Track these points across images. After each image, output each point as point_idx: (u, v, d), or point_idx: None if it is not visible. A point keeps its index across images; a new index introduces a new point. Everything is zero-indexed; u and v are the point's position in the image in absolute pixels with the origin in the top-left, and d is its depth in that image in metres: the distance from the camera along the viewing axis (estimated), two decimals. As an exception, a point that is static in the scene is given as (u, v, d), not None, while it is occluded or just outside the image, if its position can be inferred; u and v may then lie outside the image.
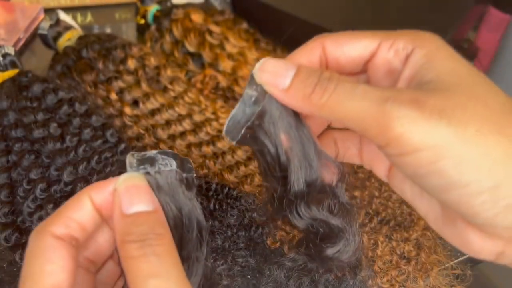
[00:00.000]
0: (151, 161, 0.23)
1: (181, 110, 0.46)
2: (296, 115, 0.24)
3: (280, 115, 0.24)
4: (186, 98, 0.48)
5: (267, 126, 0.24)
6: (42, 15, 0.60)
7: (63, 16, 0.52)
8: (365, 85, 0.21)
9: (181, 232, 0.23)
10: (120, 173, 0.38)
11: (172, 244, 0.21)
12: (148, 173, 0.23)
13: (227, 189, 0.39)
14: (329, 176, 0.25)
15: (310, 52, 0.25)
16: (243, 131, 0.24)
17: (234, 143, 0.25)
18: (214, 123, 0.46)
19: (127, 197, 0.22)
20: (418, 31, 0.23)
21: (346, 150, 0.28)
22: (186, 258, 0.23)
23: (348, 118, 0.21)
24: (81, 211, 0.22)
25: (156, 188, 0.23)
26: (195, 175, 0.24)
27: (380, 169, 0.28)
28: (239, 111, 0.24)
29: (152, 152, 0.23)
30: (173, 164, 0.23)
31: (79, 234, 0.22)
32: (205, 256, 0.24)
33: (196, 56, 0.53)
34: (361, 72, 0.26)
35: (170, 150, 0.24)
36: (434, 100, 0.20)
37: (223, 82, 0.51)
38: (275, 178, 0.25)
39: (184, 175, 0.24)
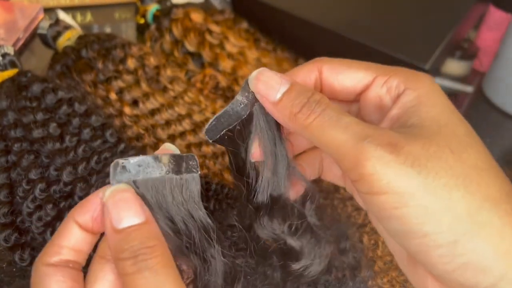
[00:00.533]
0: (137, 168, 0.22)
1: (181, 110, 0.46)
2: (279, 131, 0.25)
3: (263, 127, 0.24)
4: (186, 98, 0.47)
5: (247, 133, 0.24)
6: (41, 15, 0.60)
7: (63, 15, 0.52)
8: (350, 117, 0.21)
9: (180, 239, 0.22)
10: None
11: (166, 254, 0.21)
12: (134, 181, 0.22)
13: (227, 189, 0.39)
14: (297, 195, 0.26)
15: (307, 74, 0.25)
16: (223, 132, 0.24)
17: (210, 141, 0.25)
18: (214, 123, 0.46)
19: (116, 211, 0.21)
20: (414, 71, 0.24)
21: (330, 170, 0.29)
22: (202, 260, 0.23)
23: (326, 145, 0.22)
24: (68, 237, 0.22)
25: (142, 197, 0.22)
26: (199, 172, 0.23)
27: (359, 198, 0.28)
28: (225, 114, 0.24)
29: (139, 158, 0.22)
30: (163, 169, 0.22)
31: (74, 256, 0.22)
32: (221, 253, 0.23)
33: (196, 56, 0.53)
34: (354, 101, 0.26)
35: (163, 154, 0.23)
36: (411, 147, 0.20)
37: (223, 81, 0.51)
38: (242, 181, 0.25)
39: (183, 176, 0.23)
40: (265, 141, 0.24)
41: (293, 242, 0.25)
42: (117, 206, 0.21)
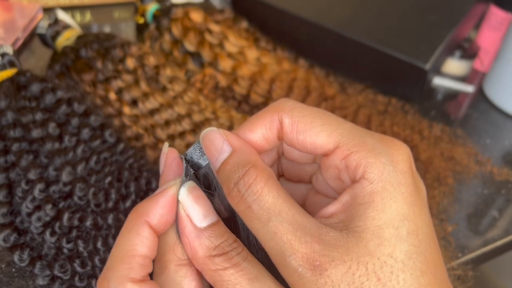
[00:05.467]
0: (195, 160, 0.22)
1: (181, 109, 0.46)
2: None
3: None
4: (186, 98, 0.47)
5: (208, 183, 0.24)
6: (40, 14, 0.60)
7: (62, 15, 0.52)
8: (280, 217, 0.20)
9: (235, 223, 0.23)
10: (119, 173, 0.38)
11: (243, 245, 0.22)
12: (195, 173, 0.22)
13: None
14: None
15: (268, 126, 0.23)
16: (192, 173, 0.24)
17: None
18: (214, 123, 0.46)
19: (196, 210, 0.21)
20: (380, 148, 0.21)
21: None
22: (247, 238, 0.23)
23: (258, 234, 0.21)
24: (145, 243, 0.21)
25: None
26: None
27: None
28: (184, 159, 0.24)
29: (192, 150, 0.22)
30: (205, 157, 0.22)
31: (151, 267, 0.21)
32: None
33: (195, 56, 0.53)
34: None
35: (193, 145, 0.23)
36: (333, 270, 0.19)
37: (223, 81, 0.51)
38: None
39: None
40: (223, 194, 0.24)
41: None
42: (196, 204, 0.21)
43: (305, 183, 0.27)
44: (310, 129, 0.22)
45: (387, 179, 0.20)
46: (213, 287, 0.21)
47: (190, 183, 0.22)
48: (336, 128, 0.22)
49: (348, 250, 0.19)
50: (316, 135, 0.22)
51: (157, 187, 0.36)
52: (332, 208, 0.22)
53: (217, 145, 0.22)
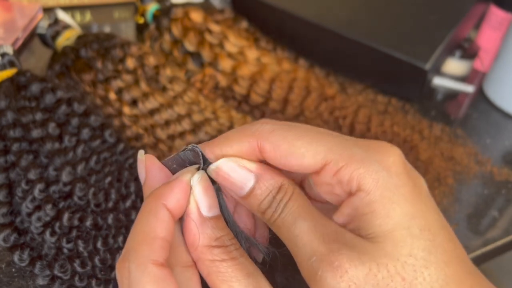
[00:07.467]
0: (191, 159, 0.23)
1: (181, 109, 0.46)
2: (225, 202, 0.24)
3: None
4: (186, 98, 0.47)
5: None
6: (40, 14, 0.60)
7: (62, 15, 0.52)
8: (298, 227, 0.20)
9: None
10: (119, 173, 0.38)
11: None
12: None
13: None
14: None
15: (248, 154, 0.23)
16: None
17: None
18: (214, 123, 0.46)
19: (205, 199, 0.21)
20: (370, 155, 0.21)
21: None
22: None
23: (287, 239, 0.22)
24: (164, 226, 0.20)
25: None
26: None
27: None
28: (168, 163, 0.24)
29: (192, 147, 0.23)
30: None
31: (168, 252, 0.21)
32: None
33: (195, 56, 0.53)
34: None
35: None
36: (354, 272, 0.19)
37: (223, 81, 0.51)
38: None
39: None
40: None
41: None
42: (206, 193, 0.22)
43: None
44: (294, 151, 0.21)
45: (383, 186, 0.20)
46: (206, 280, 0.21)
47: (203, 173, 0.22)
48: (320, 145, 0.21)
49: (365, 251, 0.19)
50: (301, 157, 0.21)
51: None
52: (338, 220, 0.22)
53: (242, 176, 0.22)
